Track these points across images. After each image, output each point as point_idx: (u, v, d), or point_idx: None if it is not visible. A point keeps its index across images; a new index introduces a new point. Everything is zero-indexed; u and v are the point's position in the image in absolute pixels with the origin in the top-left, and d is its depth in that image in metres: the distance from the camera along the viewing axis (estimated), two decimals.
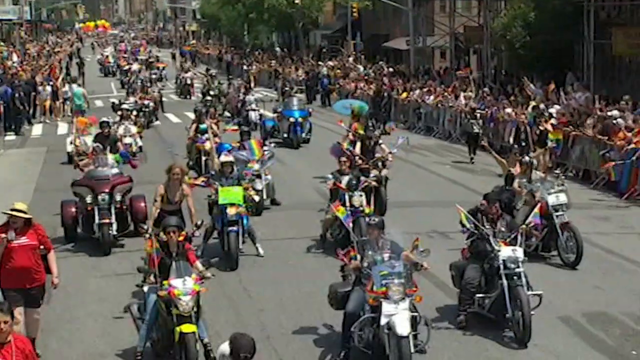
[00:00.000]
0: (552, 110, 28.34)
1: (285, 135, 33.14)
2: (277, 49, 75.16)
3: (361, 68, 52.65)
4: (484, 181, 26.32)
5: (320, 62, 58.12)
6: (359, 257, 12.41)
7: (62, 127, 37.41)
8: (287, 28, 75.96)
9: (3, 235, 12.06)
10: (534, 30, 37.82)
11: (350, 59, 59.41)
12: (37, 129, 39.26)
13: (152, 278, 11.97)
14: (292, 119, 33.11)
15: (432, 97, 37.55)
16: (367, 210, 17.59)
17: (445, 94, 37.07)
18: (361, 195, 17.90)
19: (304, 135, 33.42)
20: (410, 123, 38.09)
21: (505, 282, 12.92)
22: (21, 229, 12.14)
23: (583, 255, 16.66)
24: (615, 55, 36.57)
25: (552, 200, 16.91)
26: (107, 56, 77.67)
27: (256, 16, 74.54)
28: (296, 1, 65.22)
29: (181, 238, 13.34)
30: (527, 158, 18.62)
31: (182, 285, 11.51)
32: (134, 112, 33.01)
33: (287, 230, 20.37)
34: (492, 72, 45.26)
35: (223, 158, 19.01)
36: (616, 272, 16.72)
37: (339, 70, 52.95)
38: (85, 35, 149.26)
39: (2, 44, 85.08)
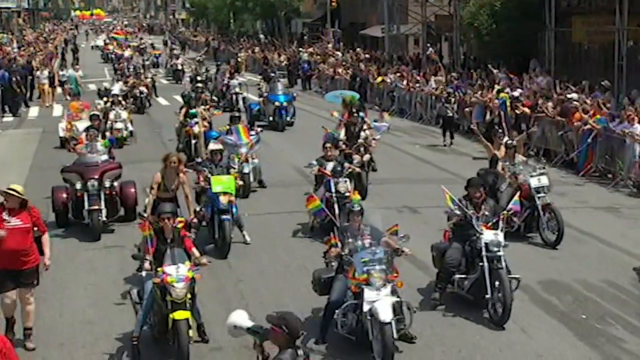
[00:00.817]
0: (515, 94, 28.43)
1: (271, 118, 32.54)
2: (262, 36, 75.04)
3: (339, 54, 52.68)
4: (454, 160, 26.68)
5: (301, 49, 58.02)
6: (339, 244, 12.04)
7: (57, 110, 37.26)
8: (271, 16, 75.89)
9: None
10: (500, 19, 37.91)
11: (330, 45, 59.41)
12: (33, 111, 39.02)
13: (147, 265, 11.37)
14: (277, 103, 32.60)
15: (404, 82, 37.70)
16: (354, 197, 16.78)
17: (417, 78, 37.25)
18: (346, 182, 17.31)
19: (288, 119, 32.98)
20: (384, 106, 38.03)
21: (486, 264, 12.53)
22: (16, 210, 11.54)
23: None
24: (574, 42, 36.80)
25: (534, 182, 16.68)
26: (107, 43, 76.59)
27: (241, 5, 74.73)
28: None
29: (180, 225, 13.04)
30: (511, 142, 18.29)
31: (176, 273, 10.95)
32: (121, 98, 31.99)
33: (271, 207, 20.24)
34: (462, 59, 45.43)
35: (212, 146, 18.38)
36: (570, 243, 16.72)
37: (318, 56, 52.95)
38: (81, 22, 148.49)
39: (1, 30, 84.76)
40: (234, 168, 18.36)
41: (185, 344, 10.70)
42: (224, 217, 16.04)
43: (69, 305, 13.92)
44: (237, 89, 38.40)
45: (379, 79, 39.95)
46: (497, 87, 30.32)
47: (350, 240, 11.81)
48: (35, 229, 11.83)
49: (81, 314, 13.48)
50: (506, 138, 20.12)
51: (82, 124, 24.00)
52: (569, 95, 26.45)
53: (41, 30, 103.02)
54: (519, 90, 29.21)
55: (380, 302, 10.90)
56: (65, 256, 16.22)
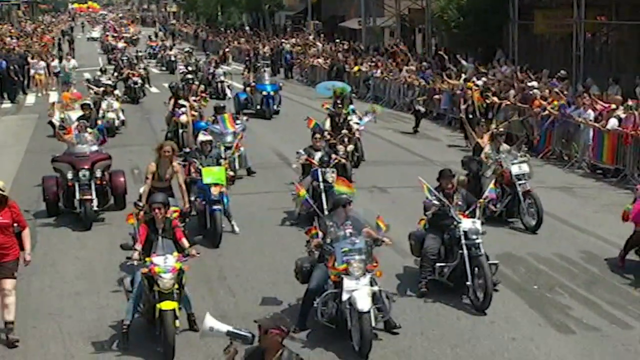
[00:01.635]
0: (480, 82, 28.58)
1: (258, 107, 32.14)
2: (247, 28, 74.96)
3: (320, 45, 52.71)
4: (423, 144, 26.88)
5: (283, 40, 57.99)
6: (320, 234, 11.61)
7: (53, 97, 37.13)
8: (255, 9, 75.83)
9: None
10: (467, 12, 38.12)
11: (311, 37, 59.43)
12: (30, 98, 38.84)
13: (136, 255, 10.83)
14: (264, 93, 32.15)
15: (379, 71, 37.85)
16: (339, 188, 15.58)
17: (391, 67, 37.40)
18: (333, 172, 16.60)
19: (275, 107, 32.51)
20: (360, 93, 38.26)
21: (466, 252, 12.18)
22: None
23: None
24: (537, 34, 36.98)
25: (515, 170, 16.36)
26: (107, 35, 75.53)
27: None
28: None
29: (175, 214, 12.75)
30: (497, 131, 18.00)
31: (163, 263, 10.49)
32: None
33: (252, 188, 20.28)
34: (434, 49, 45.50)
35: (202, 137, 17.66)
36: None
37: (299, 47, 52.97)
38: (78, 15, 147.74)
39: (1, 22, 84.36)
40: (224, 159, 17.67)
41: (171, 334, 10.32)
42: (215, 207, 15.57)
43: (58, 278, 14.01)
44: (222, 78, 38.42)
45: (356, 68, 40.10)
46: (463, 75, 30.58)
47: (332, 229, 11.39)
48: (16, 225, 11.18)
49: (69, 286, 13.55)
50: (493, 126, 20.17)
51: (74, 114, 23.45)
52: (529, 84, 26.64)
53: (39, 22, 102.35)
54: (484, 79, 29.38)
55: (359, 291, 10.56)
56: (56, 235, 16.36)
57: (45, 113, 27.35)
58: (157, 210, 11.22)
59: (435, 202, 12.78)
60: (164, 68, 53.05)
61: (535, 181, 20.72)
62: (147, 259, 10.65)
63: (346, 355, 10.35)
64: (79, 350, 11.08)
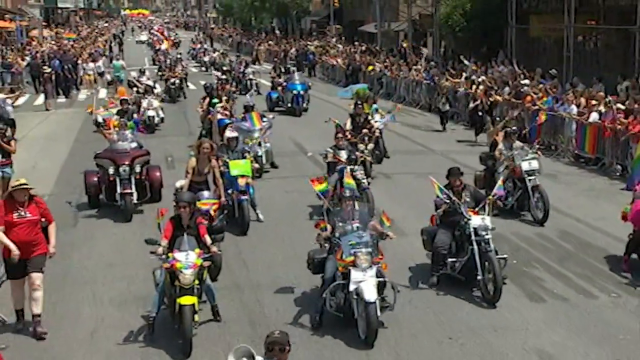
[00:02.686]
0: (479, 79, 28.58)
1: (289, 105, 31.35)
2: (277, 31, 75.10)
3: (340, 47, 52.76)
4: (424, 135, 26.89)
5: (308, 42, 58.08)
6: (329, 227, 11.15)
7: (102, 93, 37.53)
8: (284, 15, 75.86)
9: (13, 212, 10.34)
10: (470, 18, 38.06)
11: (333, 39, 59.47)
12: (82, 94, 39.04)
13: (160, 250, 10.28)
14: (294, 92, 31.29)
15: (389, 69, 37.89)
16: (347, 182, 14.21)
17: (401, 67, 37.42)
18: (361, 169, 15.69)
19: (304, 105, 31.60)
20: (374, 90, 38.23)
21: (476, 247, 11.54)
22: (24, 203, 10.38)
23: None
24: (533, 37, 36.90)
25: (525, 166, 15.74)
26: (157, 39, 74.55)
27: (260, 5, 74.57)
28: None
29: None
30: (510, 129, 17.20)
31: (185, 259, 9.97)
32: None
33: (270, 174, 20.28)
34: (442, 51, 45.43)
35: (228, 134, 17.16)
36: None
37: (321, 49, 53.06)
38: (129, 20, 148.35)
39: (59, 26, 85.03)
40: (249, 152, 16.98)
41: (188, 329, 9.79)
42: (242, 197, 15.09)
43: (95, 251, 14.30)
44: (252, 76, 38.24)
45: (370, 67, 40.13)
46: (464, 74, 30.59)
47: (340, 224, 10.96)
48: (43, 219, 10.64)
49: (105, 258, 13.83)
50: (500, 125, 19.48)
51: (114, 109, 23.62)
52: (522, 82, 26.65)
53: (94, 27, 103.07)
54: (482, 77, 29.37)
55: (365, 282, 10.12)
56: (95, 215, 16.59)
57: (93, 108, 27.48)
58: (183, 209, 10.67)
59: (446, 200, 12.19)
60: (202, 68, 53.23)
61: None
62: (169, 254, 10.18)
63: (353, 342, 10.05)
64: (108, 314, 11.33)
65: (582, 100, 22.66)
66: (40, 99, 35.54)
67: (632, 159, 18.49)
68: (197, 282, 10.05)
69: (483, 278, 11.43)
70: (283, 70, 37.00)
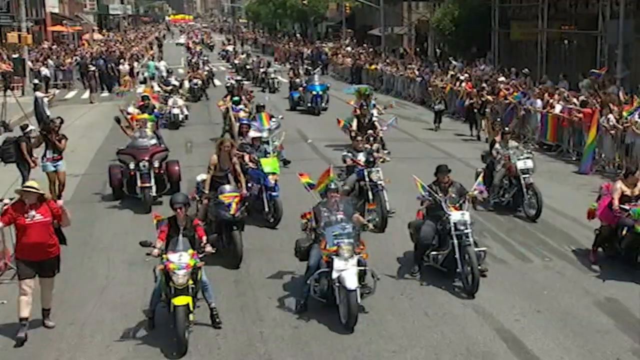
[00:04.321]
0: (462, 77, 28.82)
1: (309, 104, 30.06)
2: (298, 35, 75.31)
3: (349, 48, 52.97)
4: (412, 125, 27.06)
5: (323, 44, 58.32)
6: (313, 219, 10.68)
7: (140, 89, 37.94)
8: (304, 20, 76.09)
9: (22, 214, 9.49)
10: (458, 23, 38.23)
11: (347, 41, 59.64)
12: (125, 88, 39.46)
13: (155, 252, 9.49)
14: (313, 92, 29.96)
15: (389, 68, 38.17)
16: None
17: (398, 66, 37.70)
18: (378, 171, 14.36)
19: (323, 105, 30.15)
20: (376, 86, 38.54)
21: (456, 241, 10.97)
22: (35, 205, 9.53)
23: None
24: (513, 40, 37.02)
25: (520, 165, 14.88)
26: (189, 40, 74.31)
27: (282, 12, 74.86)
28: (304, 2, 65.37)
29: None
30: (506, 129, 16.50)
31: (178, 260, 9.22)
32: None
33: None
34: (438, 52, 45.59)
35: (253, 134, 16.22)
36: None
37: (333, 50, 53.32)
38: (172, 25, 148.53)
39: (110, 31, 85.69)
40: (270, 153, 15.69)
41: (181, 328, 9.02)
42: (273, 194, 14.29)
43: (115, 222, 14.75)
44: (273, 75, 37.70)
45: (372, 66, 40.40)
46: (450, 72, 30.82)
47: (326, 214, 10.49)
48: (55, 221, 9.77)
49: (122, 228, 14.27)
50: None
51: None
52: (499, 79, 26.89)
53: (140, 31, 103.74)
54: (466, 75, 29.61)
55: (347, 271, 9.63)
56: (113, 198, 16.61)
57: (132, 101, 27.46)
58: (178, 210, 9.79)
59: (428, 197, 11.64)
60: (231, 67, 53.53)
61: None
62: (163, 255, 9.40)
63: (335, 327, 9.65)
64: (118, 274, 11.76)
65: (546, 95, 22.88)
66: (87, 93, 36.19)
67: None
68: (191, 282, 9.29)
69: (463, 270, 10.90)
70: (302, 71, 36.07)
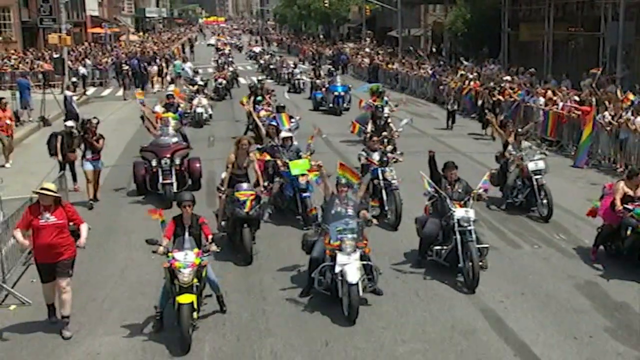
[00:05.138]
0: (470, 76, 28.88)
1: (331, 105, 29.41)
2: (321, 36, 75.55)
3: (367, 49, 53.09)
4: (423, 121, 27.12)
5: (344, 45, 58.45)
6: (320, 215, 10.67)
7: (171, 88, 38.28)
8: (327, 22, 76.29)
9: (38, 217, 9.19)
10: (469, 25, 38.27)
11: (368, 41, 59.77)
12: (156, 87, 39.83)
13: (161, 250, 9.16)
14: (335, 93, 29.32)
15: (404, 67, 38.29)
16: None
17: (412, 65, 37.81)
18: (392, 170, 14.12)
19: (345, 105, 29.44)
20: (391, 84, 38.80)
21: (459, 237, 10.74)
22: (51, 207, 9.21)
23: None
24: (522, 41, 36.99)
25: (531, 166, 14.30)
26: (219, 41, 73.63)
27: (307, 14, 75.09)
28: (325, 4, 65.49)
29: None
30: (519, 130, 15.74)
31: (183, 258, 8.95)
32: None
33: None
34: (451, 53, 45.57)
35: (284, 134, 15.44)
36: (475, 173, 15.19)
37: (353, 50, 53.46)
38: (205, 27, 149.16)
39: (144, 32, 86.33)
40: (304, 152, 14.82)
41: (186, 326, 8.74)
42: (304, 194, 13.81)
43: (137, 210, 15.00)
44: (299, 76, 37.07)
45: (389, 66, 40.55)
46: (460, 71, 30.87)
47: (338, 208, 10.36)
48: (71, 223, 9.42)
49: (143, 215, 14.32)
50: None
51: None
52: (504, 78, 26.93)
53: (174, 32, 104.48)
54: (475, 74, 29.67)
55: (349, 265, 9.53)
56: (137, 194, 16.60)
57: (157, 102, 27.60)
58: (185, 208, 9.50)
59: (434, 193, 11.46)
60: (256, 66, 53.84)
61: (499, 149, 21.31)
62: (169, 254, 9.10)
63: (338, 319, 9.52)
64: (138, 256, 12.05)
65: (550, 93, 22.93)
66: (121, 90, 36.68)
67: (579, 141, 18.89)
68: (196, 280, 9.00)
69: (464, 265, 10.68)
70: (324, 72, 35.33)
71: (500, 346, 8.77)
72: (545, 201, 14.02)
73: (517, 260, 11.85)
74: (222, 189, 12.42)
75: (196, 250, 9.14)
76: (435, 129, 25.89)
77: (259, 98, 22.57)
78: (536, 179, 14.18)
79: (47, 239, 9.14)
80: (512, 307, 9.91)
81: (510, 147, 15.05)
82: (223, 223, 12.08)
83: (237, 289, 10.71)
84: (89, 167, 15.56)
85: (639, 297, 10.17)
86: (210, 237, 9.48)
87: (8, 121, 20.20)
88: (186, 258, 8.97)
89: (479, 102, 25.81)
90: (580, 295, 10.33)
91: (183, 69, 37.09)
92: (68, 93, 25.97)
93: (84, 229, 9.50)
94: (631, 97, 19.17)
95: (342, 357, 8.64)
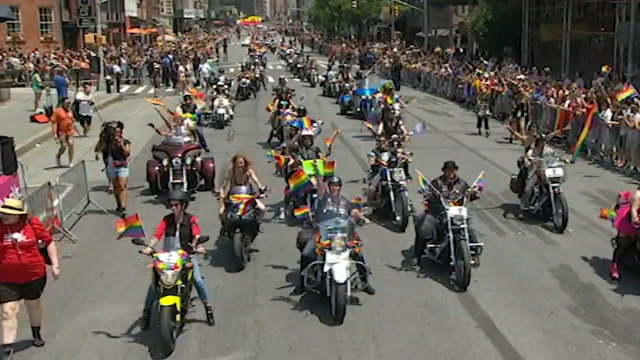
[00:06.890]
0: (486, 75, 29.22)
1: (358, 109, 27.98)
2: (353, 36, 76.13)
3: (395, 49, 53.47)
4: (437, 118, 27.57)
5: (373, 45, 58.92)
6: (311, 214, 10.61)
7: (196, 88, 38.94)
8: (358, 23, 76.87)
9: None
10: (491, 25, 38.54)
11: (397, 42, 60.12)
12: (188, 87, 40.62)
13: (147, 250, 8.89)
14: (363, 97, 27.80)
15: (426, 67, 38.72)
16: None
17: (434, 65, 38.22)
18: (400, 171, 13.87)
19: (372, 109, 27.22)
20: (415, 83, 39.27)
21: (451, 235, 10.60)
22: (16, 225, 8.24)
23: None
24: (542, 41, 37.15)
25: (549, 173, 13.50)
26: (253, 42, 74.45)
27: (338, 15, 75.75)
28: (354, 4, 65.98)
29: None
30: (541, 136, 14.71)
31: (167, 260, 8.64)
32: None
33: None
34: (475, 52, 45.82)
35: (304, 132, 14.94)
36: (475, 167, 15.04)
37: (381, 50, 53.89)
38: (242, 27, 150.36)
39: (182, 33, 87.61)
40: (321, 152, 14.47)
41: (165, 328, 8.40)
42: (314, 195, 13.07)
43: (151, 200, 15.57)
44: (334, 80, 34.63)
45: (413, 65, 40.97)
46: (478, 70, 31.19)
47: (330, 207, 10.21)
48: (40, 241, 8.53)
49: (156, 205, 15.25)
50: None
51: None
52: (518, 77, 27.24)
53: (210, 33, 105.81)
54: (491, 73, 30.00)
55: (337, 265, 9.35)
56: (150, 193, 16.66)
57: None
58: (175, 207, 9.27)
59: (429, 191, 11.38)
60: (285, 65, 54.53)
61: (503, 144, 21.74)
62: (154, 254, 8.80)
63: (326, 318, 9.38)
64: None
65: (560, 92, 23.23)
66: (153, 88, 37.67)
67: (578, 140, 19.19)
68: (181, 282, 8.69)
69: (456, 263, 10.56)
70: (352, 75, 34.16)
71: (466, 319, 9.35)
72: (560, 210, 13.27)
73: (500, 246, 12.32)
74: (218, 191, 12.08)
75: (181, 251, 8.85)
76: (443, 123, 25.87)
77: (284, 102, 22.22)
78: (553, 187, 13.43)
79: (14, 258, 8.22)
80: (485, 286, 10.45)
81: (529, 153, 14.36)
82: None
83: (232, 290, 10.58)
84: (112, 174, 14.91)
85: (608, 280, 10.62)
86: (197, 236, 9.13)
87: (69, 121, 19.63)
88: (169, 259, 8.69)
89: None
90: (552, 277, 10.83)
91: (200, 70, 37.14)
92: (80, 96, 24.30)
93: (52, 250, 8.69)
94: (631, 90, 19.35)
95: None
